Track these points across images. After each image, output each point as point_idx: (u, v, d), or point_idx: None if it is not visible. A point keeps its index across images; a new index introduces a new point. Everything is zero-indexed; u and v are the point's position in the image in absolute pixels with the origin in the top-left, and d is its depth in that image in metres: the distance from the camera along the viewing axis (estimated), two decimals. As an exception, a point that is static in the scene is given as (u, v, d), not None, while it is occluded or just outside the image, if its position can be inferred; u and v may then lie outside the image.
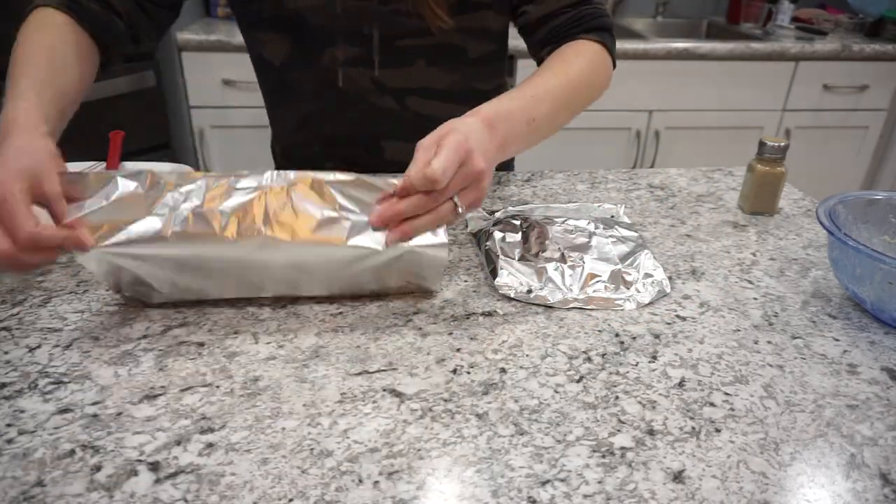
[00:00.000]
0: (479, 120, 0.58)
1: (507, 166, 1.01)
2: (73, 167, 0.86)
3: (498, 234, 0.68)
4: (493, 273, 0.64)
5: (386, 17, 0.77)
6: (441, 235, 0.56)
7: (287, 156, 0.96)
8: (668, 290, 0.64)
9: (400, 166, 0.73)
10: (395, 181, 0.54)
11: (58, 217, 0.52)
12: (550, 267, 0.64)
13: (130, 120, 1.71)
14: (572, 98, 0.69)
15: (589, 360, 0.54)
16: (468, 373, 0.52)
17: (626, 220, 0.77)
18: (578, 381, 0.51)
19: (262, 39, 0.83)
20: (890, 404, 0.50)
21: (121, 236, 0.52)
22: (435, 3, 0.74)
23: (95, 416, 0.47)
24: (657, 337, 0.58)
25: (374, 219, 0.54)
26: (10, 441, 0.44)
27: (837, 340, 0.58)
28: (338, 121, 0.87)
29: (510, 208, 0.79)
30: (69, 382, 0.50)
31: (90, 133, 1.59)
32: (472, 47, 0.82)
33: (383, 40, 0.79)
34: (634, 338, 0.57)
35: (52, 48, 0.64)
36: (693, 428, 0.47)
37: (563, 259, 0.65)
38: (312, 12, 0.77)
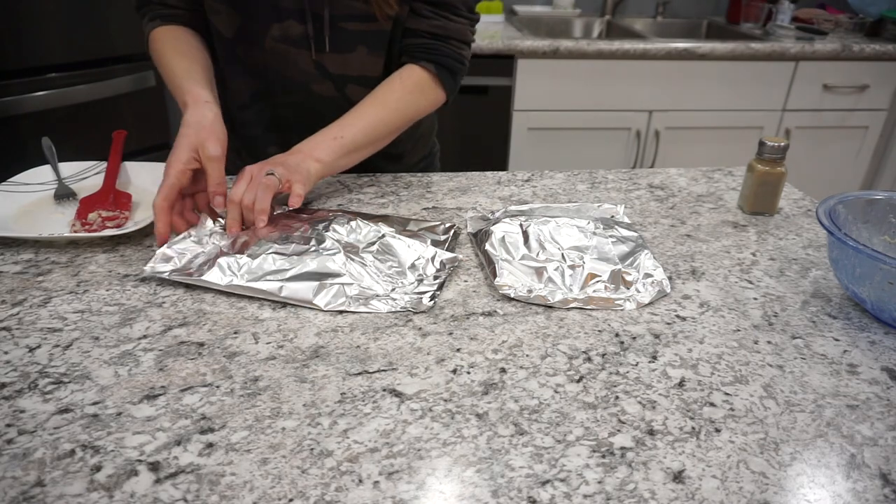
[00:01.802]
0: (282, 154, 0.76)
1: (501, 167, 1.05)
2: (74, 167, 0.86)
3: (498, 234, 0.68)
4: (493, 273, 0.64)
5: None
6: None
7: (236, 133, 0.95)
8: (668, 290, 0.64)
9: None
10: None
11: (209, 177, 0.70)
12: (550, 267, 0.64)
13: (130, 120, 1.71)
14: (386, 117, 0.82)
15: (589, 360, 0.54)
16: (468, 373, 0.52)
17: (626, 220, 0.77)
18: (578, 381, 0.51)
19: (215, 8, 0.83)
20: (890, 404, 0.50)
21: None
22: None
23: (95, 416, 0.47)
24: (657, 337, 0.58)
25: (234, 228, 0.69)
26: (10, 441, 0.44)
27: (837, 340, 0.58)
28: (281, 104, 0.89)
29: (510, 208, 0.79)
30: (69, 382, 0.50)
31: (90, 133, 1.60)
32: (397, 35, 0.85)
33: (330, 20, 0.81)
34: (634, 338, 0.57)
35: (181, 47, 0.83)
36: (693, 428, 0.47)
37: (563, 259, 0.65)
38: None
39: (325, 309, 0.60)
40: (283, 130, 0.91)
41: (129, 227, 0.71)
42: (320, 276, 0.62)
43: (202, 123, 0.71)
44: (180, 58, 0.81)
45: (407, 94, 0.83)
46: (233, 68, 0.88)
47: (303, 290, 0.60)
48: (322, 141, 0.77)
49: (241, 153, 0.97)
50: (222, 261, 0.63)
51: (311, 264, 0.62)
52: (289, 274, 0.62)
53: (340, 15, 0.80)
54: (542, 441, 0.45)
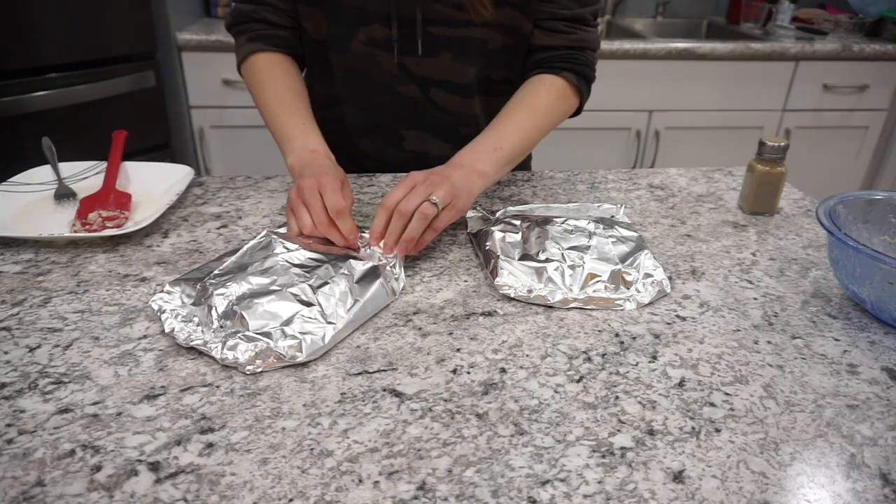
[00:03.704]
0: (444, 167, 0.73)
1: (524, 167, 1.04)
2: (74, 167, 0.86)
3: (498, 234, 0.68)
4: (493, 273, 0.64)
5: (425, 2, 0.79)
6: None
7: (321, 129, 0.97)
8: (668, 290, 0.64)
9: (419, 157, 0.76)
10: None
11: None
12: (550, 267, 0.64)
13: (130, 120, 1.71)
14: (538, 124, 0.81)
15: (589, 360, 0.54)
16: (468, 373, 0.52)
17: (626, 220, 0.77)
18: (578, 381, 0.51)
19: (306, 13, 0.84)
20: (890, 404, 0.50)
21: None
22: None
23: (95, 416, 0.47)
24: (657, 337, 0.58)
25: (386, 250, 0.66)
26: (10, 441, 0.44)
27: (837, 340, 0.58)
28: (362, 108, 0.89)
29: (510, 208, 0.79)
30: (69, 382, 0.50)
31: (90, 133, 1.59)
32: (494, 40, 0.84)
33: (419, 24, 0.81)
34: (634, 338, 0.57)
35: (291, 82, 0.83)
36: (693, 428, 0.47)
37: (563, 259, 0.65)
38: None
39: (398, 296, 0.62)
40: (362, 133, 0.92)
41: (129, 227, 0.71)
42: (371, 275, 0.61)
43: (339, 177, 0.70)
44: (292, 97, 0.80)
45: (554, 100, 0.83)
46: (319, 70, 0.90)
47: (376, 295, 0.60)
48: (483, 153, 0.75)
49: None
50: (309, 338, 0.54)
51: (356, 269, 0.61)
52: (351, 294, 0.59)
53: (431, 18, 0.81)
54: (542, 441, 0.45)
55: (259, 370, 0.51)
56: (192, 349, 0.54)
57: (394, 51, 0.83)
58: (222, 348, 0.53)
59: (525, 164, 1.05)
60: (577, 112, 0.88)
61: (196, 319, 0.56)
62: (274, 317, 0.55)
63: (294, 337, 0.53)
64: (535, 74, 0.84)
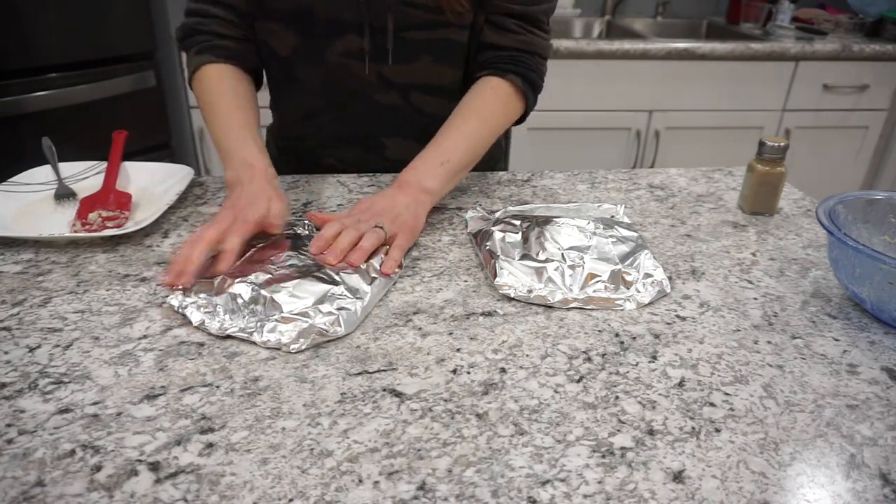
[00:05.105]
0: (391, 189, 0.74)
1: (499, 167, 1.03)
2: (74, 167, 0.86)
3: (498, 234, 0.68)
4: (493, 273, 0.64)
5: (398, 8, 0.79)
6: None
7: (288, 148, 0.96)
8: (668, 290, 0.64)
9: (401, 165, 0.75)
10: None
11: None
12: (550, 267, 0.64)
13: (130, 120, 1.71)
14: (485, 133, 0.80)
15: (589, 360, 0.54)
16: (468, 373, 0.52)
17: (626, 220, 0.77)
18: (578, 381, 0.51)
19: (270, 28, 0.83)
20: (890, 404, 0.50)
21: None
22: None
23: (95, 416, 0.47)
24: (657, 337, 0.58)
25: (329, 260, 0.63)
26: (10, 441, 0.44)
27: (837, 340, 0.58)
28: (340, 118, 0.88)
29: (510, 208, 0.79)
30: (69, 382, 0.50)
31: (90, 133, 1.59)
32: (471, 39, 0.84)
33: (389, 33, 0.80)
34: (634, 338, 0.57)
35: (235, 94, 0.80)
36: (693, 428, 0.47)
37: (563, 259, 0.65)
38: (320, 3, 0.78)
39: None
40: (341, 144, 0.92)
41: (129, 227, 0.71)
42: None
43: (275, 197, 0.69)
44: (233, 110, 0.78)
45: (500, 105, 0.82)
46: (289, 87, 0.88)
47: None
48: (430, 168, 0.75)
49: (291, 163, 0.96)
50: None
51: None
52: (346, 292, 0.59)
53: (406, 24, 0.80)
54: (542, 441, 0.45)
55: (304, 348, 0.54)
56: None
57: (371, 60, 0.82)
58: (262, 332, 0.54)
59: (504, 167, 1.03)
60: (522, 119, 0.87)
61: (220, 309, 0.57)
62: (306, 297, 0.57)
63: (331, 313, 0.56)
64: (482, 76, 0.83)
